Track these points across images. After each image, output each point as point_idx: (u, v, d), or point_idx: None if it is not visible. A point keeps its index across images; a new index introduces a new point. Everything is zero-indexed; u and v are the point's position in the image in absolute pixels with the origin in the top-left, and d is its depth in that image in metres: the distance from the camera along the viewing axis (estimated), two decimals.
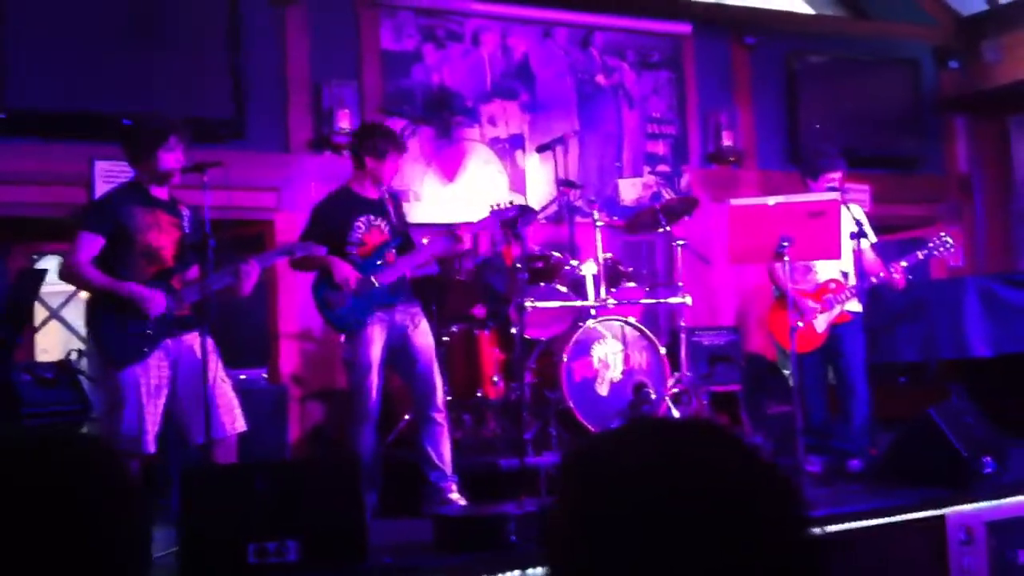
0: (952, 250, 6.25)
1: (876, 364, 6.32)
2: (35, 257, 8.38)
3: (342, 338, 5.70)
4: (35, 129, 6.67)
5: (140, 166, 4.88)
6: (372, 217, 5.59)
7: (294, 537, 4.04)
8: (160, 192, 4.91)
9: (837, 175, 6.24)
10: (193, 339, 4.82)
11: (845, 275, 6.13)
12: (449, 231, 5.66)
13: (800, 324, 6.18)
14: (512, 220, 6.54)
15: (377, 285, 5.47)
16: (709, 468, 1.18)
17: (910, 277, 6.17)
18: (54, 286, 7.81)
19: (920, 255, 6.21)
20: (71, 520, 1.34)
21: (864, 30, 10.07)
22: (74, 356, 6.59)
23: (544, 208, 7.11)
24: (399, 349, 5.55)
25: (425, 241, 5.86)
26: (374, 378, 5.46)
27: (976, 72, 10.17)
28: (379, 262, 5.55)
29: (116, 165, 6.06)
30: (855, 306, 6.16)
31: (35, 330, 7.54)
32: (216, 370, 4.80)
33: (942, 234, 6.26)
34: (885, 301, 6.73)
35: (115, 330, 4.69)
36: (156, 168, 4.83)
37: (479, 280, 6.73)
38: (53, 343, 8.78)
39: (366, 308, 5.46)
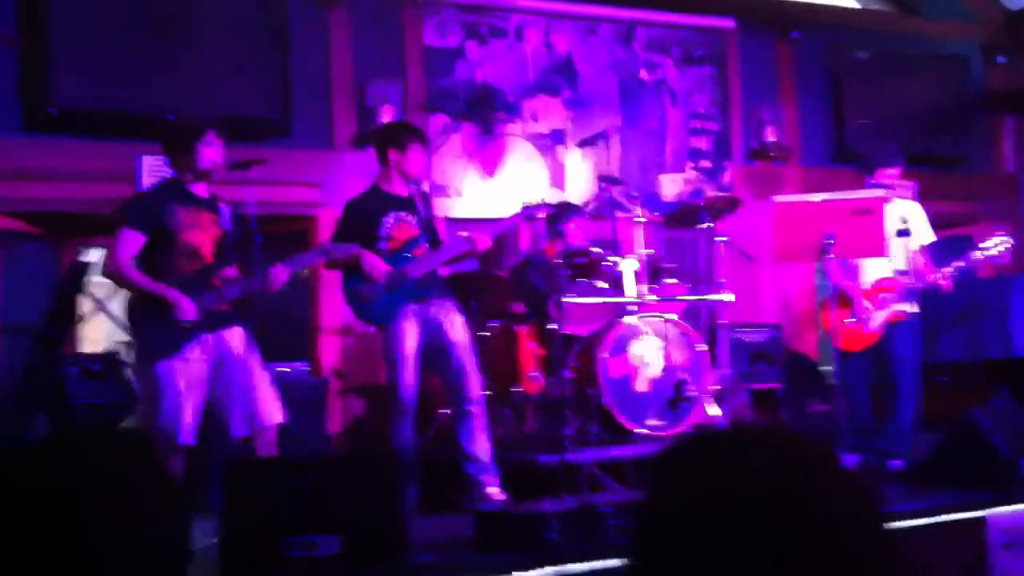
0: (1008, 249, 6.13)
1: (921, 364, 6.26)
2: (81, 251, 8.49)
3: (373, 330, 5.76)
4: (83, 127, 6.78)
5: (179, 163, 4.94)
6: (400, 213, 5.63)
7: (334, 532, 4.07)
8: (199, 189, 4.97)
9: (895, 171, 6.21)
10: (232, 334, 4.88)
11: (903, 274, 6.07)
12: (468, 237, 5.68)
13: (852, 322, 6.14)
14: (553, 216, 6.57)
15: (407, 278, 5.50)
16: (799, 479, 1.21)
17: (956, 275, 6.10)
18: (101, 278, 7.93)
19: (977, 255, 6.11)
20: (106, 511, 1.38)
21: (910, 25, 9.96)
22: (120, 348, 6.68)
23: (584, 204, 7.11)
24: (434, 343, 5.57)
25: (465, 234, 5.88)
26: (410, 372, 5.49)
27: None
28: (408, 255, 5.58)
29: (163, 161, 6.14)
30: (911, 306, 6.11)
31: (82, 322, 7.63)
32: (255, 363, 4.86)
33: (999, 234, 6.17)
34: (934, 303, 6.68)
35: (152, 324, 4.76)
36: (195, 164, 4.89)
37: (521, 277, 6.75)
38: (99, 334, 8.90)
39: (397, 301, 5.50)
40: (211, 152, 4.89)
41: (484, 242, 5.65)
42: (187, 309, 4.76)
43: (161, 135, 5.07)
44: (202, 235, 4.90)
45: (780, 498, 1.18)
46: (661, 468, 1.28)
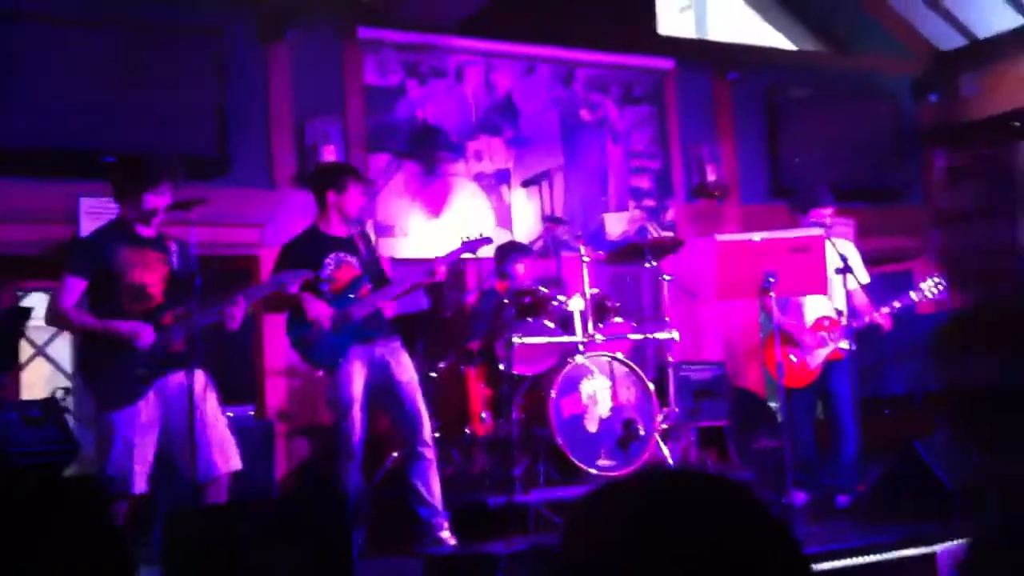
0: (943, 293, 6.30)
1: (863, 398, 6.33)
2: (20, 295, 8.34)
3: (319, 374, 5.71)
4: (21, 167, 6.65)
5: (126, 204, 4.88)
6: (341, 254, 5.59)
7: None
8: (145, 229, 4.90)
9: (828, 211, 6.31)
10: (189, 377, 4.79)
11: (840, 313, 6.15)
12: (427, 267, 5.66)
13: (793, 359, 6.22)
14: (501, 255, 6.58)
15: (351, 319, 5.46)
16: (713, 519, 1.19)
17: (894, 313, 6.21)
18: (40, 322, 7.76)
19: (913, 296, 6.26)
20: (54, 557, 1.36)
21: (844, 64, 10.18)
22: (60, 394, 6.55)
23: (531, 243, 7.13)
24: (382, 385, 5.53)
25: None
26: (356, 414, 5.44)
27: (954, 105, 10.27)
28: (352, 295, 5.54)
29: (102, 202, 6.06)
30: (847, 344, 6.20)
31: (21, 367, 7.48)
32: (210, 408, 4.78)
33: (934, 277, 6.31)
34: (878, 338, 6.77)
35: (108, 372, 4.68)
36: (141, 207, 4.83)
37: (478, 314, 6.76)
38: (38, 380, 8.73)
39: (342, 343, 5.45)
40: (160, 199, 4.84)
41: (440, 272, 5.61)
42: (144, 335, 4.68)
43: (112, 176, 5.00)
44: (149, 274, 4.84)
45: (697, 542, 1.17)
46: (575, 518, 1.28)
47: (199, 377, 4.76)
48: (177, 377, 4.80)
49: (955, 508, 5.27)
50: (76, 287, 4.74)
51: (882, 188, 9.95)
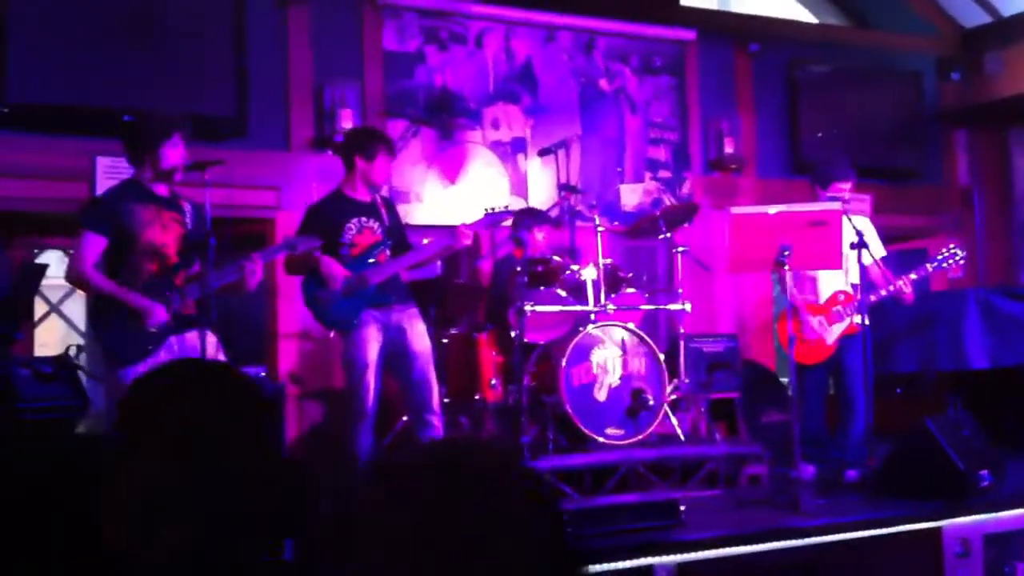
0: (962, 262, 6.24)
1: (875, 375, 6.31)
2: (36, 251, 8.38)
3: (331, 335, 5.73)
4: (37, 123, 6.66)
5: (141, 163, 4.88)
6: (364, 219, 5.61)
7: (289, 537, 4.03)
8: (161, 189, 4.91)
9: (848, 185, 6.27)
10: (197, 337, 4.82)
11: (855, 287, 6.12)
12: (452, 231, 5.66)
13: (809, 336, 6.19)
14: (517, 223, 6.57)
15: (367, 283, 5.47)
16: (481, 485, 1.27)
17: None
18: (54, 280, 7.81)
19: (930, 267, 6.21)
20: None
21: (866, 40, 10.08)
22: (73, 351, 6.58)
23: (547, 211, 7.12)
24: (396, 351, 5.56)
25: (426, 241, 5.87)
26: (371, 378, 5.47)
27: (977, 84, 10.18)
28: (371, 260, 5.55)
29: (118, 161, 6.04)
30: (863, 319, 6.16)
31: (35, 324, 7.53)
32: None
33: (951, 246, 6.25)
34: (889, 314, 6.74)
35: (119, 329, 4.70)
36: (158, 165, 4.83)
37: (493, 281, 6.75)
38: (52, 338, 8.78)
39: (356, 307, 5.47)
40: (175, 154, 4.84)
41: (466, 236, 5.61)
42: (157, 314, 4.71)
43: (124, 133, 4.99)
44: (164, 234, 4.84)
45: (462, 507, 1.24)
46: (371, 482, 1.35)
47: (210, 339, 4.78)
48: (187, 338, 4.83)
49: (964, 487, 5.26)
50: (97, 245, 4.75)
51: (901, 167, 9.88)
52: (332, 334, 5.76)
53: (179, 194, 5.01)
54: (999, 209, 10.30)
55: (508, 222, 6.52)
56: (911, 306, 6.37)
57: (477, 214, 5.84)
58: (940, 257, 6.18)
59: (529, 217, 6.84)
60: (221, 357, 4.83)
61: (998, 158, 10.33)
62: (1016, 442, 6.83)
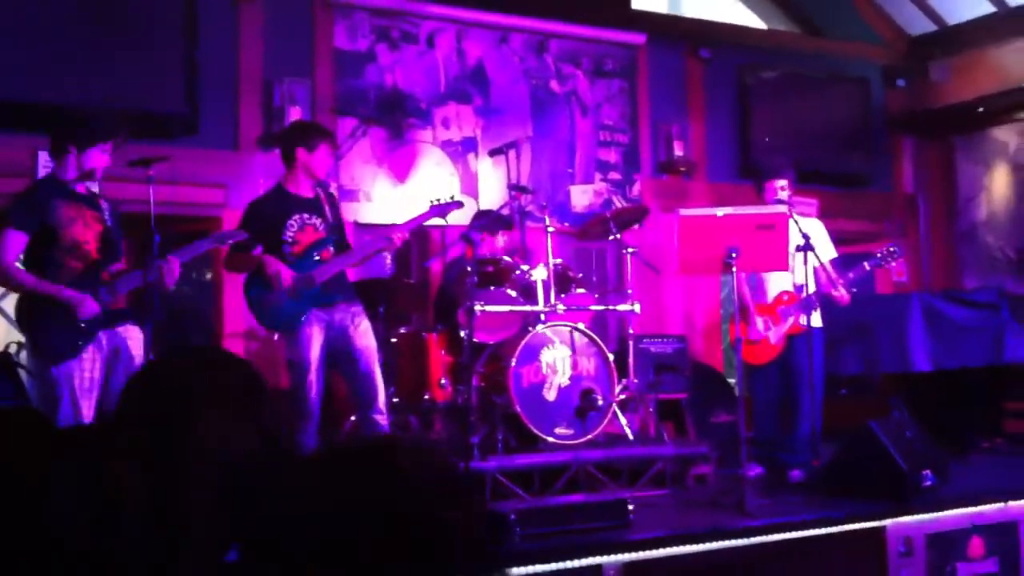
0: (899, 258, 6.32)
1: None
2: None
3: (275, 337, 5.67)
4: None
5: (62, 161, 4.81)
6: (306, 215, 5.53)
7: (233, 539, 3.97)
8: (79, 187, 4.85)
9: (783, 183, 6.31)
10: (128, 332, 4.79)
11: (798, 287, 6.16)
12: (384, 234, 5.64)
13: (754, 337, 6.25)
14: (475, 223, 6.56)
15: (314, 283, 5.42)
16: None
17: (854, 290, 6.22)
18: None
19: (867, 266, 6.27)
20: None
21: (815, 47, 10.20)
22: (13, 349, 6.48)
23: (499, 210, 7.12)
24: (340, 349, 5.49)
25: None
26: (314, 377, 5.41)
27: (923, 92, 10.33)
28: (316, 257, 5.49)
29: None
30: (816, 320, 6.21)
31: None
32: None
33: (890, 247, 6.32)
34: (836, 317, 6.80)
35: (48, 325, 4.63)
36: (83, 165, 4.78)
37: (443, 281, 6.72)
38: None
39: (301, 306, 5.41)
40: (102, 157, 4.80)
41: (400, 235, 5.59)
42: (88, 306, 4.65)
43: (58, 130, 4.90)
44: (86, 231, 4.78)
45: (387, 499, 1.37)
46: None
47: (137, 334, 4.78)
48: (119, 331, 4.79)
49: (907, 487, 5.32)
50: (18, 242, 4.68)
51: (849, 172, 9.99)
52: (276, 336, 5.69)
53: (96, 192, 4.95)
54: (944, 215, 10.45)
55: (465, 221, 6.50)
56: (855, 310, 6.43)
57: (423, 206, 5.83)
58: (879, 256, 6.25)
59: (489, 220, 6.82)
60: (148, 354, 4.78)
61: (943, 165, 10.48)
62: (958, 443, 6.93)
